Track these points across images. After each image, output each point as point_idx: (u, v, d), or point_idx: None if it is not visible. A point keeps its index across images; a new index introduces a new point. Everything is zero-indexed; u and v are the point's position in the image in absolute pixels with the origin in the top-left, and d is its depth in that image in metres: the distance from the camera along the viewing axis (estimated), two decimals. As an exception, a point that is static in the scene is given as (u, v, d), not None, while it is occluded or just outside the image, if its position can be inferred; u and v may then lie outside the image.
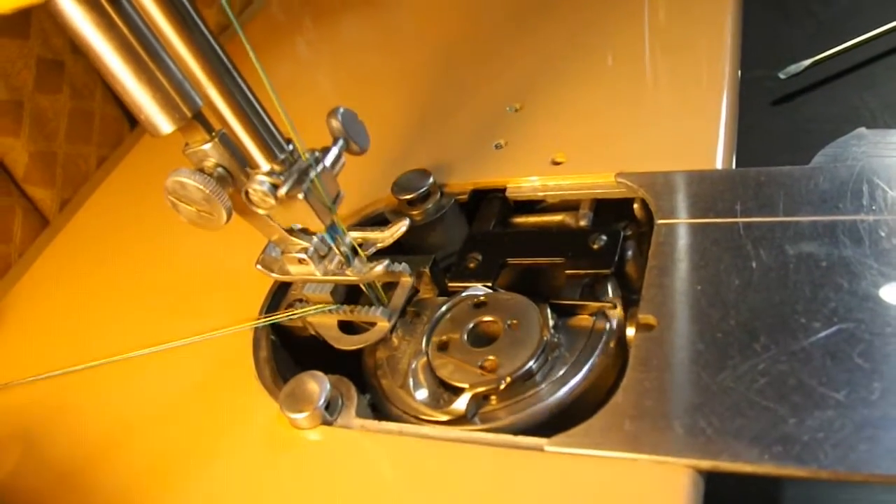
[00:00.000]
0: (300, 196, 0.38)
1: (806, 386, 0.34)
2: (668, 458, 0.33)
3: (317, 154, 0.40)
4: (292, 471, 0.39)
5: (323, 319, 0.46)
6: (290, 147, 0.39)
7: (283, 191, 0.38)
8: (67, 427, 0.48)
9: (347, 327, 0.47)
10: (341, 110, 0.42)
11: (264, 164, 0.38)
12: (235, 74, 0.37)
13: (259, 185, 0.38)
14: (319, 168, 0.39)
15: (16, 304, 0.61)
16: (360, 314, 0.45)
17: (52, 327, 0.57)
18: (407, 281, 0.45)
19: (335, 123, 0.42)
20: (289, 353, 0.49)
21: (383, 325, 0.44)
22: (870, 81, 0.72)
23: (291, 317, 0.46)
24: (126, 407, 0.48)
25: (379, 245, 0.43)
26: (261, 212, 0.40)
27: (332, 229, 0.41)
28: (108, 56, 0.36)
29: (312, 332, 0.47)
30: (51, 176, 0.69)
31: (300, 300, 0.47)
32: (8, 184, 0.67)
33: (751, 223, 0.42)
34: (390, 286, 0.47)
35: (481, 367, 0.40)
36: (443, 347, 0.42)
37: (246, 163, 0.40)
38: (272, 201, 0.38)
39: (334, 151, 0.41)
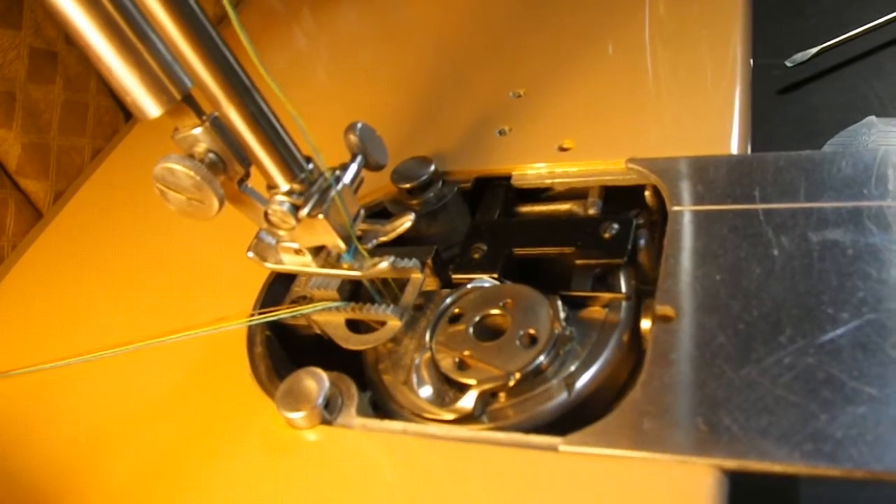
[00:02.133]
0: (321, 216, 0.37)
1: (836, 380, 0.32)
2: (691, 457, 0.31)
3: (337, 172, 0.39)
4: (290, 473, 0.38)
5: (330, 318, 0.44)
6: (311, 166, 0.38)
7: (304, 212, 0.37)
8: (53, 424, 0.46)
9: (352, 325, 0.45)
10: (359, 125, 0.41)
11: (283, 185, 0.37)
12: (253, 90, 0.35)
13: (279, 205, 0.37)
14: (339, 186, 0.38)
15: (4, 297, 0.59)
16: (369, 312, 0.42)
17: (41, 321, 0.55)
18: (418, 277, 0.43)
19: (353, 139, 0.41)
20: (284, 348, 0.47)
21: (394, 323, 0.42)
22: (877, 69, 0.71)
23: (295, 314, 0.44)
24: (114, 405, 0.46)
25: (381, 238, 0.41)
26: (280, 233, 0.39)
27: (352, 248, 0.40)
28: (91, 33, 0.34)
29: (318, 331, 0.44)
30: (44, 168, 0.68)
31: (304, 297, 0.45)
32: (0, 176, 0.65)
33: (771, 209, 0.40)
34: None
35: (520, 340, 0.38)
36: (461, 365, 0.40)
37: (239, 149, 0.38)
38: (293, 222, 0.37)
39: (353, 168, 0.40)
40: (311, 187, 0.38)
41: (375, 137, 0.42)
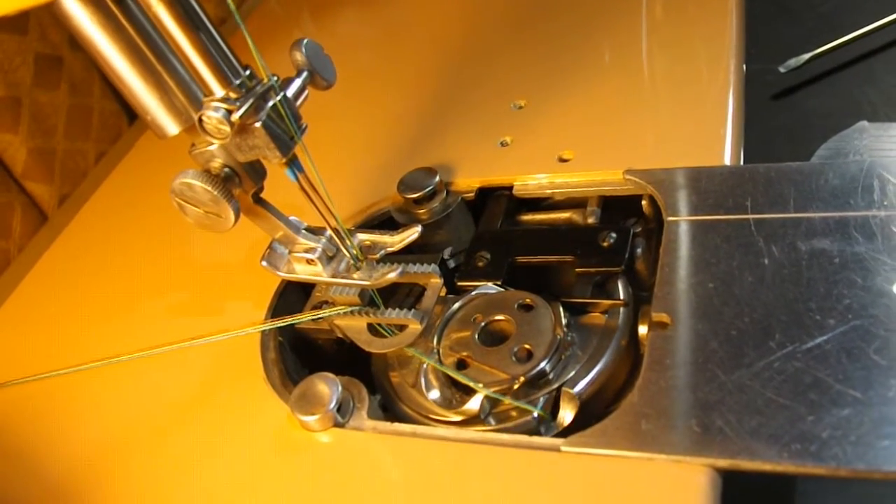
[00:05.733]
0: (257, 124, 0.35)
1: (823, 383, 0.34)
2: (685, 457, 0.33)
3: (276, 79, 0.37)
4: (304, 474, 0.39)
5: (352, 322, 0.45)
6: (248, 72, 0.36)
7: (237, 115, 0.34)
8: (73, 427, 0.47)
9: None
10: (305, 41, 0.39)
11: (219, 90, 0.35)
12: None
13: (214, 111, 0.35)
14: (279, 97, 0.36)
15: (19, 304, 0.60)
16: (390, 317, 0.43)
17: (56, 327, 0.56)
18: (436, 283, 0.44)
19: (299, 56, 0.39)
20: (295, 354, 0.49)
21: (415, 327, 0.43)
22: (870, 75, 0.71)
23: (317, 318, 0.45)
24: (133, 408, 0.47)
25: (388, 249, 0.42)
26: (216, 142, 0.37)
27: (294, 165, 0.38)
28: (115, 58, 0.36)
29: (339, 335, 0.45)
30: (49, 172, 0.69)
31: (326, 302, 0.46)
32: (7, 180, 0.66)
33: (762, 220, 0.42)
34: (397, 286, 0.47)
35: (515, 356, 0.40)
36: (461, 364, 0.41)
37: (254, 164, 0.39)
38: (227, 129, 0.35)
39: (297, 83, 0.38)
40: (248, 93, 0.36)
41: (323, 56, 0.40)
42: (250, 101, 0.35)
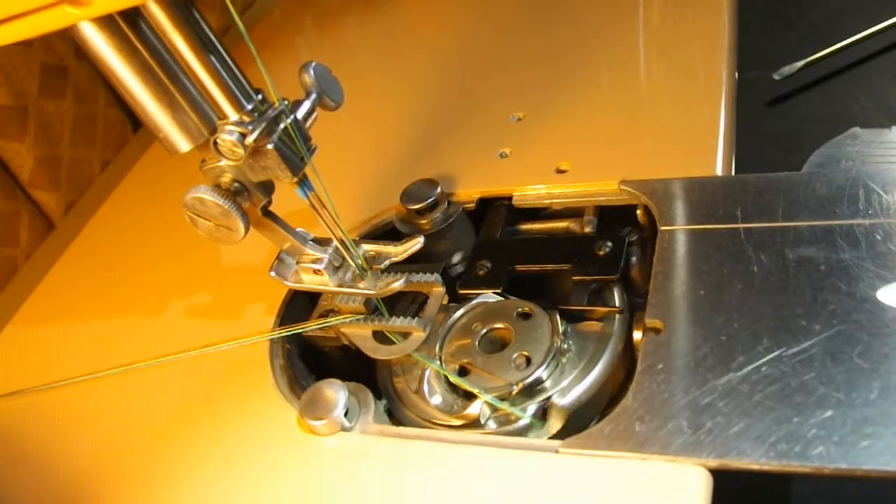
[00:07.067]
0: (269, 146, 0.37)
1: (808, 386, 0.35)
2: (677, 457, 0.34)
3: (286, 103, 0.39)
4: (313, 476, 0.41)
5: (358, 330, 0.46)
6: (260, 96, 0.38)
7: (251, 139, 0.36)
8: (78, 436, 0.49)
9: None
10: (313, 64, 0.40)
11: (233, 114, 0.37)
12: (200, 19, 0.36)
13: (228, 134, 0.37)
14: (290, 119, 0.38)
15: (31, 314, 0.62)
16: (394, 324, 0.45)
17: (68, 337, 0.58)
18: (439, 291, 0.45)
19: (307, 78, 0.40)
20: (303, 361, 0.50)
21: (419, 334, 0.44)
22: (863, 81, 0.72)
23: (324, 326, 0.47)
24: (142, 415, 0.49)
25: (392, 259, 0.44)
26: (230, 163, 0.39)
27: (304, 184, 0.40)
28: (129, 79, 0.37)
29: (346, 343, 0.47)
30: (56, 180, 0.70)
31: (333, 310, 0.48)
32: (13, 188, 0.68)
33: (751, 228, 0.43)
34: (401, 295, 0.48)
35: (514, 362, 0.42)
36: (462, 371, 0.43)
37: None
38: (241, 151, 0.37)
39: (307, 105, 0.40)
40: (260, 117, 0.37)
41: (330, 78, 0.41)
42: (263, 124, 0.37)
